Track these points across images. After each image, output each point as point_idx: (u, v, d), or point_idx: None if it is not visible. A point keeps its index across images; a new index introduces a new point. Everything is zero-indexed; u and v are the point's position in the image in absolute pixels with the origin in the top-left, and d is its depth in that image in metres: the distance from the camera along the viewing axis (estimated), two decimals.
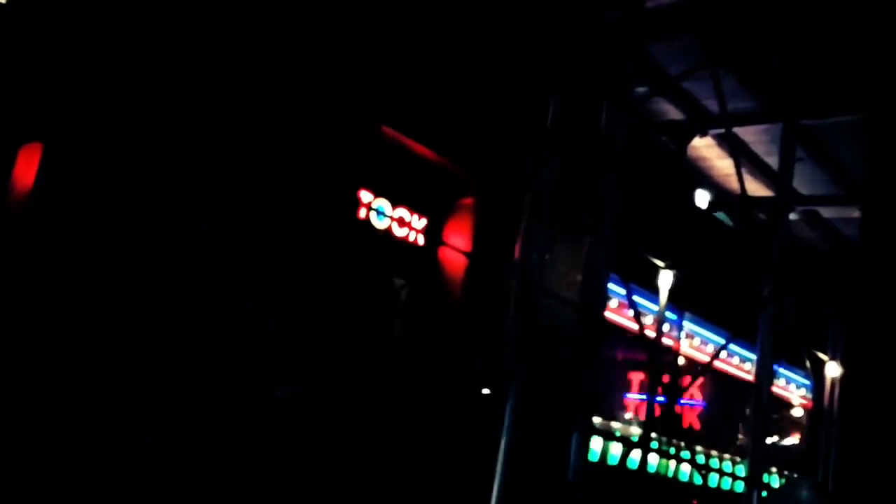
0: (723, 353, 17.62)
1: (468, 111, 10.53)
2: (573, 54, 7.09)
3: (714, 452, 16.01)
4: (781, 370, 18.44)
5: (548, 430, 7.71)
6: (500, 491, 5.62)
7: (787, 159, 9.06)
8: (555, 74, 7.60)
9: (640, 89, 11.78)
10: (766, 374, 8.64)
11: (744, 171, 13.85)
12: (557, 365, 7.17)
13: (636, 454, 11.97)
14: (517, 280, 6.49)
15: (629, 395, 18.00)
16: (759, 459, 8.12)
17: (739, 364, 17.77)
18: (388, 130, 10.53)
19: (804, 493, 7.35)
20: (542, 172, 7.36)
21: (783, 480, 17.99)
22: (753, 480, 8.14)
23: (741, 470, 14.17)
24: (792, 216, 15.35)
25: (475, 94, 10.62)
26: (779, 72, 9.95)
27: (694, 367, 18.43)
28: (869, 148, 10.54)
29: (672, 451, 12.48)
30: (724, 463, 16.34)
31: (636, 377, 19.41)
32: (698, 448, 15.74)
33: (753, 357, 17.01)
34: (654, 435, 13.47)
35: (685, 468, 14.01)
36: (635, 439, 13.00)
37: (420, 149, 10.81)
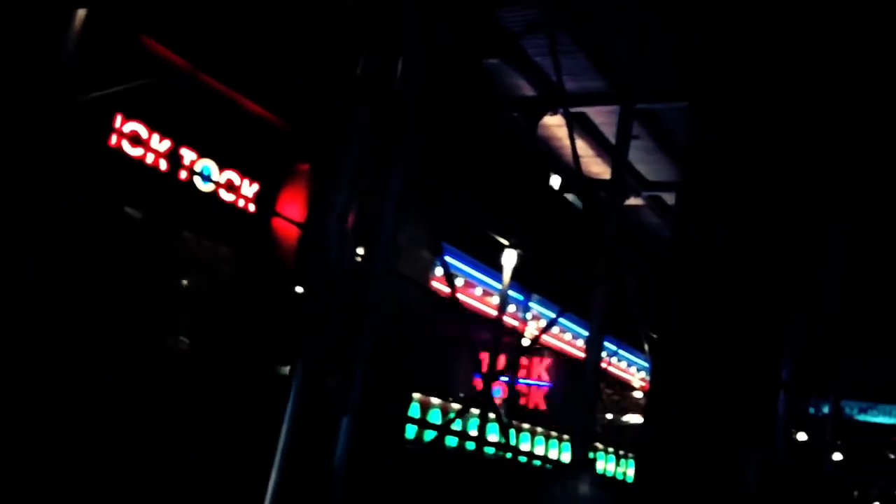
0: (569, 336, 17.88)
1: (309, 71, 9.73)
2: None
3: (553, 433, 16.12)
4: (623, 352, 18.87)
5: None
6: (277, 476, 5.04)
7: (623, 140, 8.94)
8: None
9: (492, 60, 11.40)
10: (594, 352, 8.50)
11: (594, 153, 13.84)
12: (380, 343, 6.62)
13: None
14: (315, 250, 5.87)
15: (479, 376, 17.94)
16: (585, 438, 7.97)
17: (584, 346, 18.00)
18: (218, 84, 9.62)
19: (582, 487, 7.27)
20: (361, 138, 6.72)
21: (611, 458, 18.46)
22: (578, 458, 7.99)
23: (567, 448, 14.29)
24: (638, 201, 15.60)
25: (318, 55, 9.84)
26: (622, 52, 9.80)
27: (539, 348, 18.57)
28: (691, 139, 10.67)
29: (494, 429, 12.30)
30: (564, 444, 16.51)
31: (486, 358, 19.41)
32: (539, 429, 15.78)
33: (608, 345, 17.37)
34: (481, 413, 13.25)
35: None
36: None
37: (254, 107, 9.93)
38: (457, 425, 12.80)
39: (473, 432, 12.92)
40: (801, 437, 21.58)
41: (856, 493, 32.29)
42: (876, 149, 10.33)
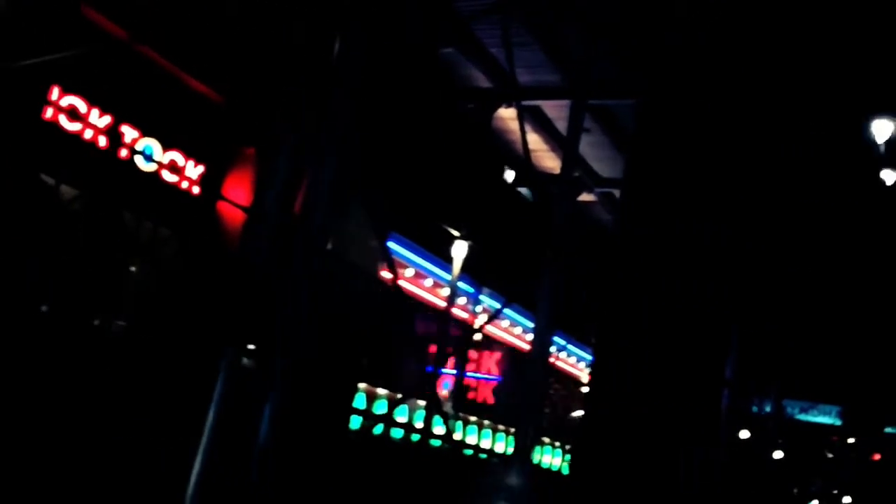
0: (519, 331, 17.88)
1: (254, 50, 9.48)
2: None
3: (500, 427, 16.10)
4: (573, 347, 18.96)
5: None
6: (203, 458, 4.87)
7: (573, 134, 8.90)
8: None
9: (447, 50, 11.27)
10: (540, 345, 8.46)
11: (548, 147, 13.81)
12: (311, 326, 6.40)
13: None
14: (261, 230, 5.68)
15: (439, 371, 17.82)
16: (527, 431, 7.92)
17: None
18: (163, 60, 9.32)
19: (511, 480, 7.25)
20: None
21: (559, 452, 18.55)
22: (520, 452, 7.94)
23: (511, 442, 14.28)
24: (591, 197, 15.64)
25: (267, 33, 9.59)
26: (576, 46, 9.76)
27: (489, 342, 18.54)
28: (632, 136, 10.70)
29: (437, 422, 12.23)
30: (510, 438, 16.51)
31: (435, 350, 19.31)
32: (486, 422, 15.75)
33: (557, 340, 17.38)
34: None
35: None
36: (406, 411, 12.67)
37: (199, 86, 9.66)
38: (401, 415, 12.70)
39: (419, 424, 12.83)
40: (744, 434, 21.96)
41: (795, 490, 33.04)
42: (822, 148, 10.49)
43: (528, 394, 8.33)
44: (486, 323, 10.81)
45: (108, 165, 9.08)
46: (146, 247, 9.65)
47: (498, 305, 16.08)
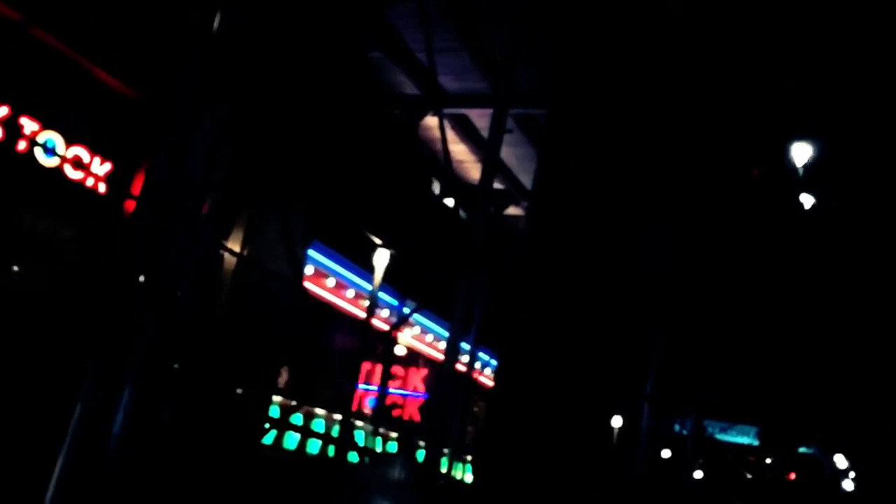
0: (443, 346, 17.61)
1: (166, 35, 9.05)
2: None
3: (422, 444, 15.73)
4: (488, 358, 18.78)
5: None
6: (65, 457, 4.47)
7: (494, 143, 8.78)
8: None
9: (374, 54, 11.05)
10: (452, 356, 8.24)
11: (475, 158, 13.69)
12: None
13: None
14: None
15: (360, 386, 17.35)
16: (437, 443, 7.66)
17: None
18: (67, 49, 8.79)
19: (396, 471, 7.05)
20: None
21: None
22: (430, 464, 7.68)
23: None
24: (518, 211, 15.57)
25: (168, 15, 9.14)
26: (499, 50, 9.67)
27: (415, 357, 18.20)
28: (542, 146, 10.69)
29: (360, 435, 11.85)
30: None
31: (364, 367, 18.82)
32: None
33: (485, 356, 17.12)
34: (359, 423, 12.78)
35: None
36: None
37: (108, 78, 9.15)
38: (318, 428, 12.26)
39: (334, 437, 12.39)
40: (666, 454, 22.15)
41: None
42: (738, 163, 10.63)
43: (437, 405, 8.06)
44: (396, 328, 10.53)
45: (5, 159, 8.50)
46: (43, 246, 9.03)
47: (424, 319, 15.81)
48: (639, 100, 8.57)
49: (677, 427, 21.67)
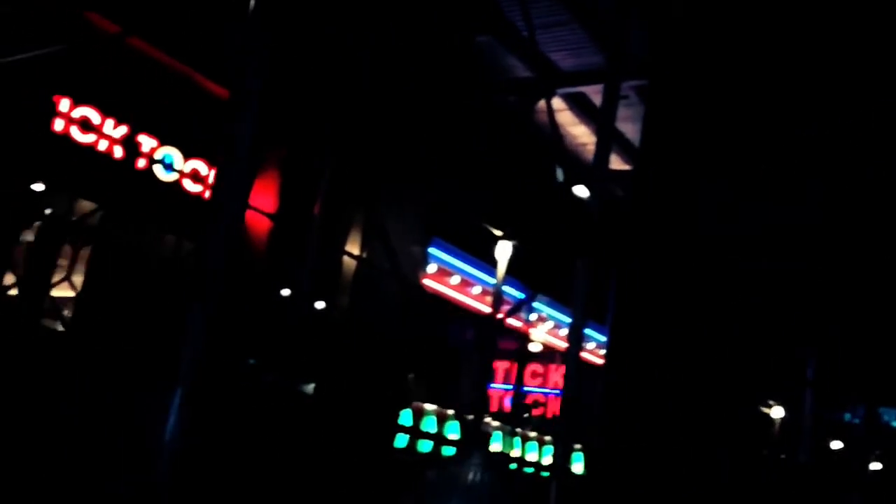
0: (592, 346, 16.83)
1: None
2: None
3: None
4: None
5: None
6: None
7: (608, 119, 8.06)
8: None
9: (482, 38, 10.58)
10: (576, 343, 7.64)
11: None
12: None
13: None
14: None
15: (493, 386, 16.95)
16: (569, 439, 7.10)
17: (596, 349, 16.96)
18: (182, 66, 8.92)
19: (473, 473, 6.50)
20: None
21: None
22: (559, 464, 7.13)
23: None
24: None
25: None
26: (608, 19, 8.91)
27: (552, 354, 17.52)
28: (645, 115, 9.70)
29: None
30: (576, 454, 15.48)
31: (501, 366, 18.40)
32: (546, 438, 14.77)
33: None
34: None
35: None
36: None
37: (214, 87, 9.20)
38: (453, 432, 11.92)
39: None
40: (836, 445, 20.33)
41: None
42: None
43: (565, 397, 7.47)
44: (509, 315, 9.98)
45: (125, 177, 8.69)
46: (169, 260, 9.19)
47: (558, 314, 15.14)
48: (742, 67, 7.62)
49: (847, 416, 19.90)
